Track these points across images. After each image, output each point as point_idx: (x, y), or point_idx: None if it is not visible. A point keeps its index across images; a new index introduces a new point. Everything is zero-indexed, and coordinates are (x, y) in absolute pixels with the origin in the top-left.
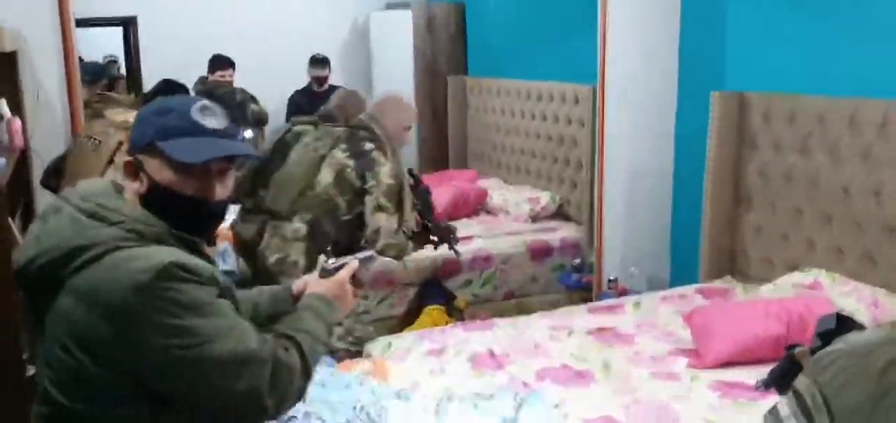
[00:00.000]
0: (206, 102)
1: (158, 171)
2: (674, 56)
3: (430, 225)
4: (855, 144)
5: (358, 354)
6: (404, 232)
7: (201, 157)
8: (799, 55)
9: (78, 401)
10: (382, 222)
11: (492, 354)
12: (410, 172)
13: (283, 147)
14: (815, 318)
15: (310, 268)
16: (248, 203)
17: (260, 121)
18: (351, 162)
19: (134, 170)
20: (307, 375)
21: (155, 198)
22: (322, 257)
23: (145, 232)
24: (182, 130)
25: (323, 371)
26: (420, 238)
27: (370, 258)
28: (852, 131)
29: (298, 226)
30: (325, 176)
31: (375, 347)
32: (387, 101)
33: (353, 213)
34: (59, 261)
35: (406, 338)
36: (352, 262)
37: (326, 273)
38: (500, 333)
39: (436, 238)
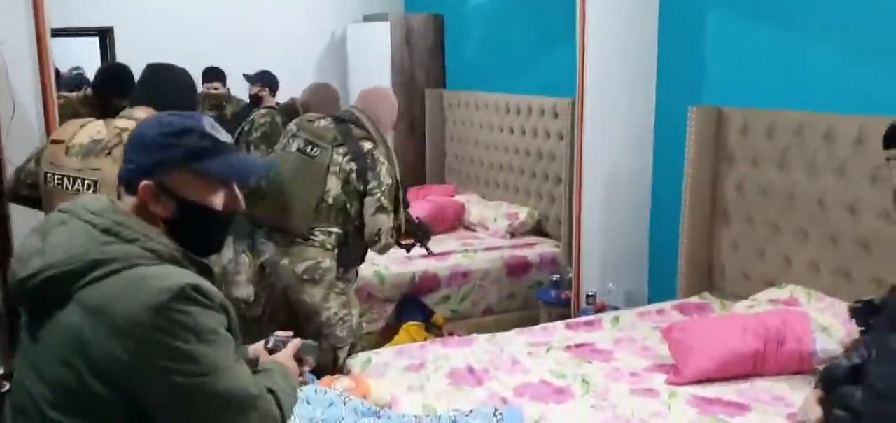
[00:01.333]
0: (209, 118)
1: (188, 187)
2: (652, 70)
3: (407, 224)
4: (831, 159)
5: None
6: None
7: (250, 175)
8: (776, 70)
9: (73, 417)
10: (384, 223)
11: (471, 370)
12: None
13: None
14: (793, 332)
15: (340, 275)
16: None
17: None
18: (353, 165)
19: (155, 194)
20: None
21: (185, 216)
22: (273, 337)
23: (162, 252)
24: (210, 150)
25: (307, 389)
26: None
27: (315, 347)
28: (828, 146)
29: (323, 238)
30: (334, 186)
31: (355, 362)
32: (375, 92)
33: (359, 218)
34: (71, 274)
35: (385, 353)
36: (295, 340)
37: (274, 349)
38: (479, 349)
39: (409, 241)
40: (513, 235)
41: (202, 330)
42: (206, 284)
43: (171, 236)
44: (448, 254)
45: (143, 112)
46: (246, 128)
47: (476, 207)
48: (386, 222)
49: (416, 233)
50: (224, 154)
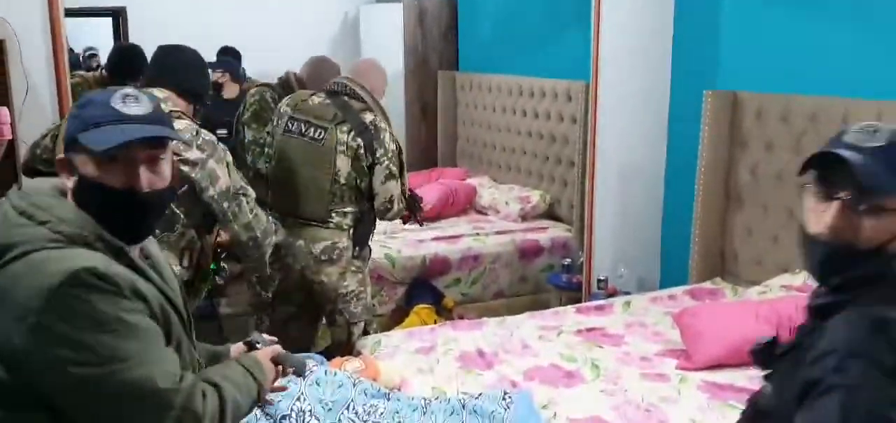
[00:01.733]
0: (129, 89)
1: (84, 165)
2: (667, 54)
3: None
4: None
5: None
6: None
7: (113, 141)
8: (792, 55)
9: None
10: (394, 189)
11: (481, 353)
12: None
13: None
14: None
15: (356, 253)
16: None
17: None
18: (359, 141)
19: (67, 167)
20: None
21: (84, 193)
22: (255, 334)
23: (71, 234)
24: (103, 120)
25: (318, 370)
26: None
27: (301, 362)
28: None
29: (339, 219)
30: (344, 165)
31: (365, 344)
32: (365, 62)
33: (371, 191)
34: None
35: (395, 336)
36: (277, 346)
37: (252, 346)
38: (489, 332)
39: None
40: (524, 218)
41: (101, 318)
42: (112, 268)
43: (90, 215)
44: (459, 237)
45: (159, 92)
46: (240, 109)
47: (488, 191)
48: (396, 188)
49: (409, 205)
50: (119, 125)
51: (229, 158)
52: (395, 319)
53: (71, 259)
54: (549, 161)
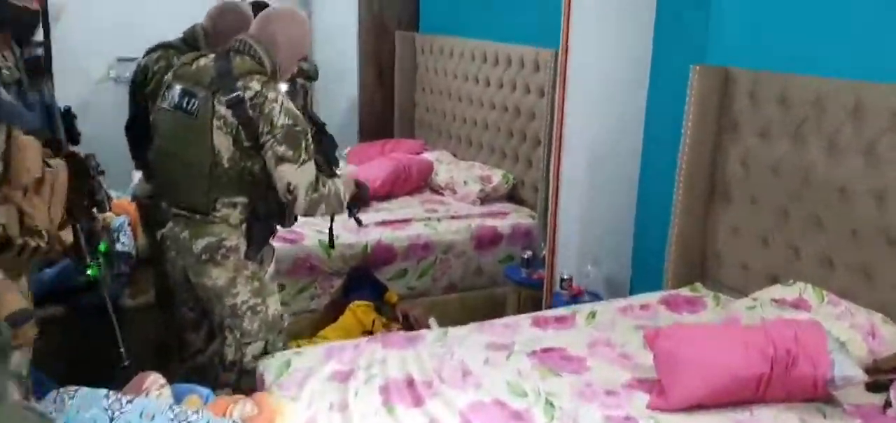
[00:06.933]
0: None
1: None
2: (650, 20)
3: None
4: (857, 137)
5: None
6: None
7: None
8: (795, 27)
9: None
10: (290, 176)
11: (410, 382)
12: (306, 112)
13: (159, 113)
14: (806, 353)
15: (251, 255)
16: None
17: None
18: (231, 113)
19: None
20: None
21: None
22: None
23: None
24: None
25: (194, 418)
26: None
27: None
28: (855, 120)
29: (226, 211)
30: (224, 145)
31: (270, 367)
32: (275, 14)
33: (268, 179)
34: None
35: (309, 354)
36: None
37: None
38: (425, 353)
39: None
40: (484, 200)
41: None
42: None
43: None
44: (407, 222)
45: None
46: (139, 78)
47: (445, 167)
48: (293, 174)
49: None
50: None
51: None
52: (330, 316)
53: None
54: (513, 137)
